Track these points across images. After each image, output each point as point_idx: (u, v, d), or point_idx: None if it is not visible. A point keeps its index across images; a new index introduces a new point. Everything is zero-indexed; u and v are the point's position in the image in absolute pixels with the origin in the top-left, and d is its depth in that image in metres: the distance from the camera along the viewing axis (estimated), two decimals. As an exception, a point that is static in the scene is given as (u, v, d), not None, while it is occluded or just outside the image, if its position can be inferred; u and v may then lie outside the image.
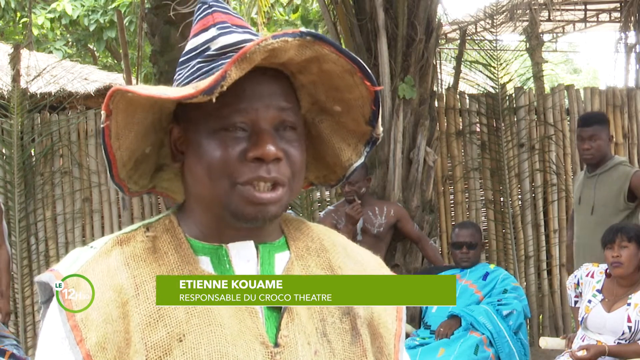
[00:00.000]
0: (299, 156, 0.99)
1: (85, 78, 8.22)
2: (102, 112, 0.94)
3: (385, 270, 1.14)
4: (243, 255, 1.01)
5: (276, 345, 0.96)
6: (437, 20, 5.32)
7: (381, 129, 1.06)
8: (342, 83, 1.00)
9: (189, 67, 1.00)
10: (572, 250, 4.45)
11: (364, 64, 0.97)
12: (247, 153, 0.94)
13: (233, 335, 0.94)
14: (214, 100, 0.89)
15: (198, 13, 1.04)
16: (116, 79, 9.07)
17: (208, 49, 0.98)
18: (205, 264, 0.99)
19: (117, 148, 0.98)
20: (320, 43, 0.93)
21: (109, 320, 0.92)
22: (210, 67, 0.96)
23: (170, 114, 1.03)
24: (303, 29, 0.92)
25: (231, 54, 0.96)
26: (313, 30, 0.93)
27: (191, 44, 1.02)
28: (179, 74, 1.02)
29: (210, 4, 1.03)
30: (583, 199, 4.21)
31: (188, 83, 0.98)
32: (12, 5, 11.82)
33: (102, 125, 0.95)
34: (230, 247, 1.01)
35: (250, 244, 1.01)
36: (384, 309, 1.07)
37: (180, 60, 1.03)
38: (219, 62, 0.96)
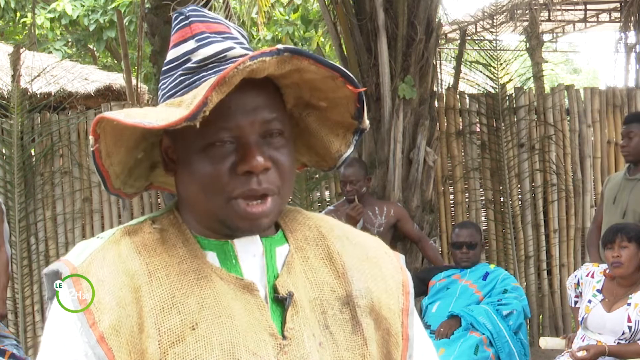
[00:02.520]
0: (288, 162, 1.00)
1: (85, 78, 8.23)
2: (90, 137, 0.95)
3: (384, 249, 1.15)
4: (249, 250, 1.03)
5: (283, 337, 0.98)
6: (437, 20, 5.32)
7: (367, 122, 1.07)
8: (324, 86, 1.02)
9: (172, 78, 1.01)
10: (594, 248, 4.35)
11: (344, 70, 0.98)
12: (236, 167, 0.96)
13: (243, 326, 0.96)
14: (197, 126, 0.89)
15: (175, 24, 1.04)
16: (116, 79, 9.06)
17: (189, 60, 0.99)
18: (212, 258, 1.01)
19: (109, 165, 1.00)
20: (299, 57, 0.94)
21: (122, 304, 0.93)
22: (192, 79, 0.98)
23: None
24: (280, 45, 0.92)
25: (212, 65, 0.97)
26: (289, 45, 0.93)
27: (171, 54, 1.02)
28: (163, 84, 1.03)
29: (187, 14, 1.02)
30: (617, 200, 4.13)
31: (172, 95, 0.99)
32: (12, 5, 11.81)
33: (91, 149, 0.96)
34: (236, 243, 1.02)
35: (256, 238, 1.03)
36: (384, 290, 1.07)
37: (163, 69, 1.04)
38: (201, 75, 0.97)
